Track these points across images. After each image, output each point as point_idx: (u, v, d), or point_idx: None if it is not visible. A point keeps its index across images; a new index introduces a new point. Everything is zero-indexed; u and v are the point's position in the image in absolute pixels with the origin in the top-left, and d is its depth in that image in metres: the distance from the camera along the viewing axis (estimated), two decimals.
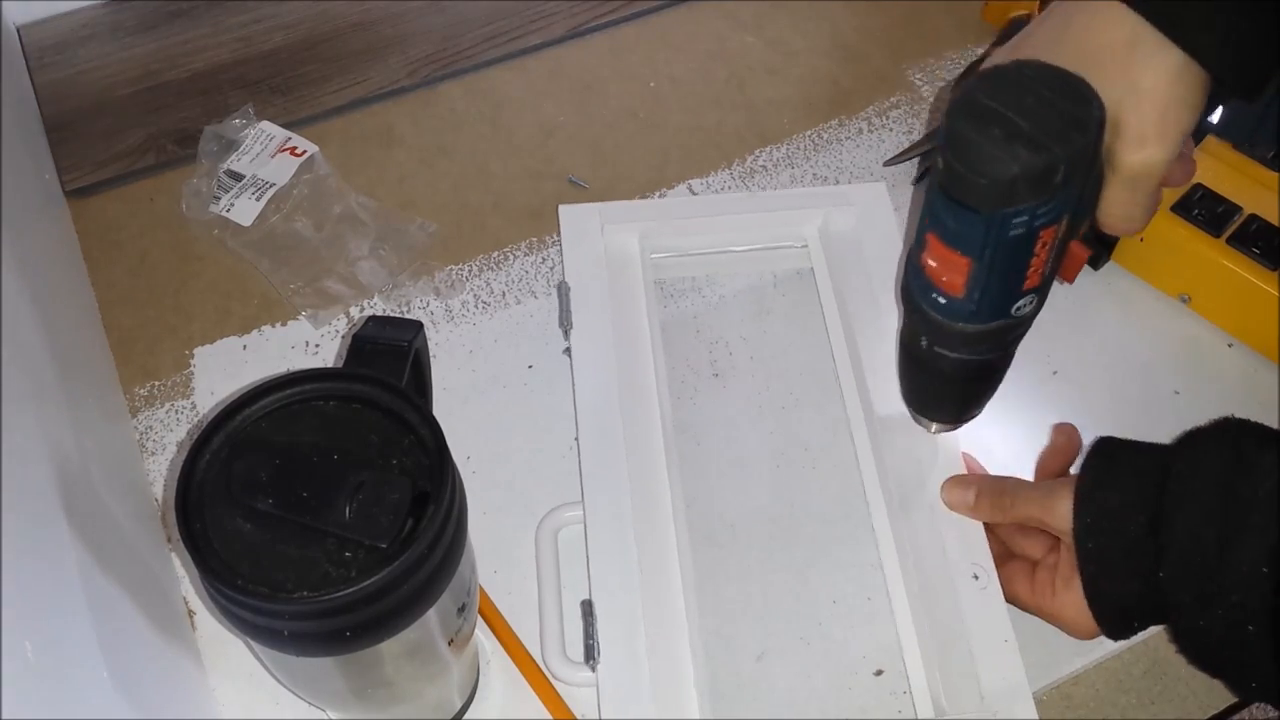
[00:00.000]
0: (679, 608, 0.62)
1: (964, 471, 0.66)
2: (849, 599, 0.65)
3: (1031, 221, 0.49)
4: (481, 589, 0.64)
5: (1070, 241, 0.55)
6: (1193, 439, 0.57)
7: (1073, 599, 0.58)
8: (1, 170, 0.65)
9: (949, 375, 0.59)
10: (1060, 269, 0.58)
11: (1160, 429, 0.71)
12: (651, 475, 0.66)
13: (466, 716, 0.62)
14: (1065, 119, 0.47)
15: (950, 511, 0.64)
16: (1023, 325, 0.56)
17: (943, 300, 0.55)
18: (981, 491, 0.64)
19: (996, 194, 0.48)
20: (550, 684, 0.62)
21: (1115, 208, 0.54)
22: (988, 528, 0.64)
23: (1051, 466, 0.67)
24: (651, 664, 0.60)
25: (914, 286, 0.56)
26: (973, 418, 0.65)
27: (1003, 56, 0.56)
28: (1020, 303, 0.54)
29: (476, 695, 0.62)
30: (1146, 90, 0.51)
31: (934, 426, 0.66)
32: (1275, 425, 0.70)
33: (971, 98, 0.48)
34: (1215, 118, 0.74)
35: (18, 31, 0.93)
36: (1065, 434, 0.68)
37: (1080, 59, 0.51)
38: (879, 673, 0.63)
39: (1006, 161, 0.47)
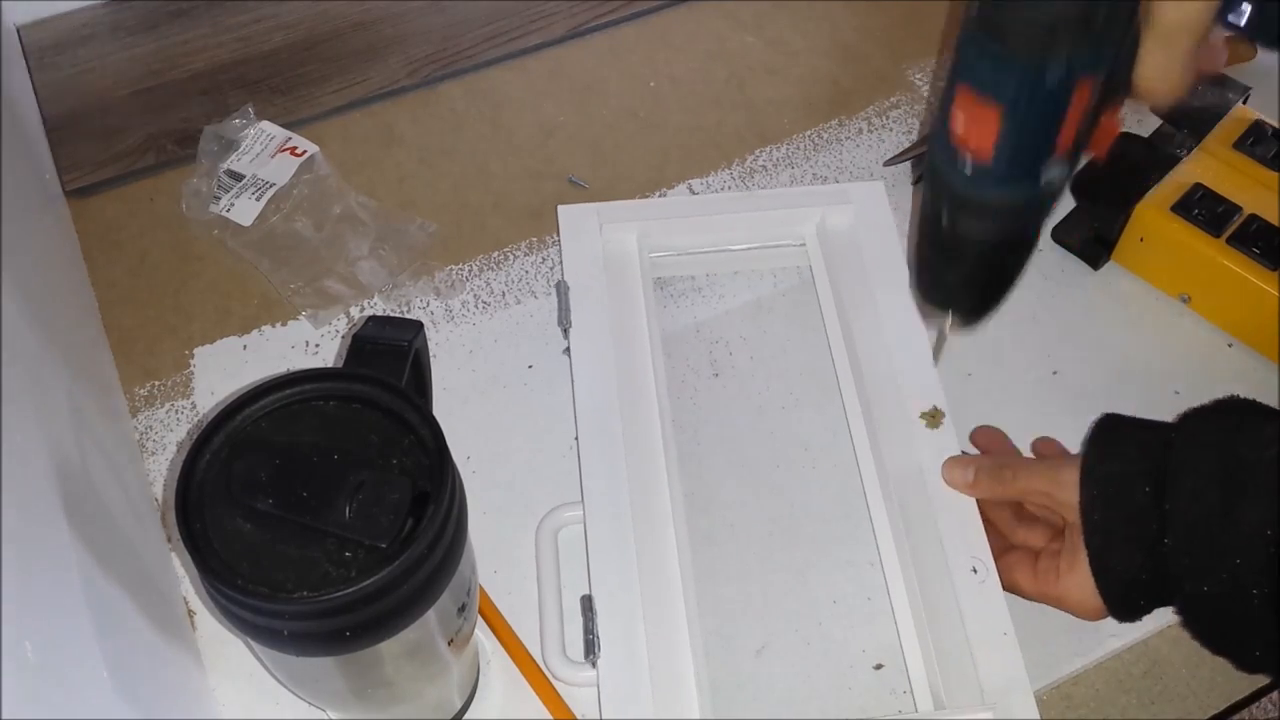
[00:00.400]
0: (679, 605, 0.62)
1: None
2: (849, 598, 0.65)
3: (1069, 70, 0.48)
4: (481, 589, 0.64)
5: (1103, 113, 0.54)
6: (1195, 413, 0.58)
7: (1078, 580, 0.59)
8: (1, 170, 0.65)
9: (971, 255, 0.58)
10: (1092, 141, 0.56)
11: None
12: (651, 474, 0.66)
13: (466, 716, 0.62)
14: None
15: (950, 507, 0.64)
16: (1049, 199, 0.54)
17: (969, 168, 0.52)
18: (980, 467, 0.64)
19: (1036, 37, 0.47)
20: (550, 684, 0.62)
21: (1152, 68, 0.53)
22: (986, 521, 0.64)
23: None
24: (651, 660, 0.60)
25: (939, 156, 0.54)
26: (990, 311, 0.62)
27: None
28: (1049, 169, 0.52)
29: (476, 695, 0.62)
30: None
31: (949, 321, 0.64)
32: None
33: None
34: (1243, 20, 0.71)
35: (18, 31, 0.93)
36: (986, 437, 0.68)
37: None
38: (879, 666, 0.63)
39: (1048, 1, 0.46)
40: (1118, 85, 0.53)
